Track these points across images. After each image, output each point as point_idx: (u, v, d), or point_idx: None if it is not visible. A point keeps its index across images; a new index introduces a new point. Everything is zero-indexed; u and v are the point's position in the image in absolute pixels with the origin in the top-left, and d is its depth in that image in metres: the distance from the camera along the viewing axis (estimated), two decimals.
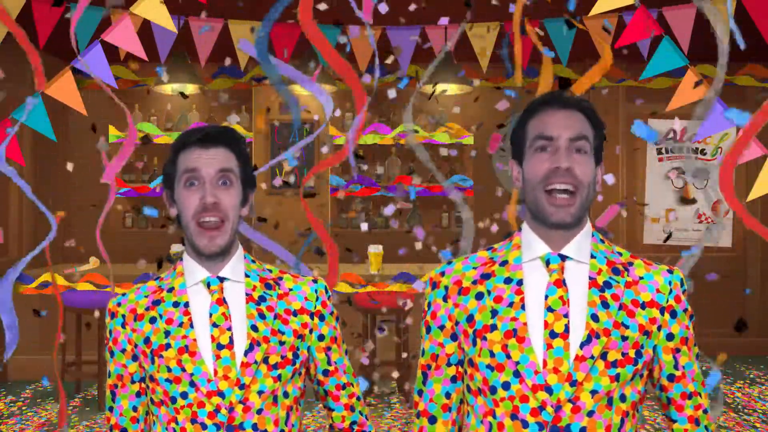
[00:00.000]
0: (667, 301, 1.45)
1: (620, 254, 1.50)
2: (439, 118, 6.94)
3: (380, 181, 6.96)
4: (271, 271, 1.64)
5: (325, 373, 1.65)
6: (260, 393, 1.52)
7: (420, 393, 1.55)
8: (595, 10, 2.74)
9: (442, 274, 1.53)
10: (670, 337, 1.45)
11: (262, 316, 1.55)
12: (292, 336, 1.57)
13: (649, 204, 4.47)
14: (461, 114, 6.94)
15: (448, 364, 1.51)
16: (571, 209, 1.42)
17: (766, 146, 2.75)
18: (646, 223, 5.42)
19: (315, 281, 1.65)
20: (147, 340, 1.54)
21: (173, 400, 1.51)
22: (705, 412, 1.49)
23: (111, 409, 1.61)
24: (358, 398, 1.70)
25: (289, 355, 1.56)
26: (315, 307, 1.62)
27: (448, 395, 1.52)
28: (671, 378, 1.47)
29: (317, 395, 1.71)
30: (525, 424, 1.39)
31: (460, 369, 1.52)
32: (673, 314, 1.45)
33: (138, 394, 1.58)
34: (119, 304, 1.59)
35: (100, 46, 2.67)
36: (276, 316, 1.57)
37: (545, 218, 1.44)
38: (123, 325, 1.57)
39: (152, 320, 1.55)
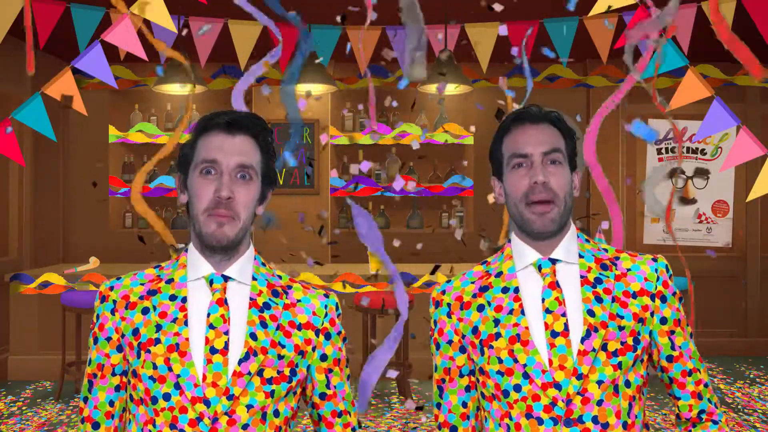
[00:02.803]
0: (656, 287, 1.54)
1: (606, 251, 1.59)
2: (438, 118, 6.94)
3: (380, 181, 6.96)
4: (281, 277, 1.52)
5: (323, 396, 1.53)
6: (249, 407, 1.40)
7: (438, 406, 1.63)
8: (595, 10, 2.74)
9: (443, 292, 1.62)
10: (663, 320, 1.54)
11: (263, 325, 1.44)
12: (292, 351, 1.45)
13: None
14: (461, 114, 6.95)
15: (461, 375, 1.59)
16: (551, 215, 1.50)
17: (767, 146, 2.75)
18: (646, 223, 5.42)
19: (326, 295, 1.53)
20: (136, 332, 1.42)
21: (154, 400, 1.39)
22: (706, 386, 1.57)
23: (85, 399, 1.48)
24: (353, 429, 1.57)
25: (287, 371, 1.44)
26: (322, 323, 1.50)
27: (464, 404, 1.60)
28: (670, 359, 1.56)
29: (311, 419, 1.58)
30: (540, 421, 1.47)
31: (473, 378, 1.59)
32: (663, 299, 1.54)
33: (117, 388, 1.46)
34: (111, 288, 1.47)
35: (100, 46, 2.66)
36: (278, 327, 1.45)
37: (530, 228, 1.53)
38: (112, 312, 1.45)
39: (145, 311, 1.44)
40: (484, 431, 1.59)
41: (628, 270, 1.54)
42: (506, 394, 1.50)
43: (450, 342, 1.59)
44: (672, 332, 1.54)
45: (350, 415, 1.57)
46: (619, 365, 1.47)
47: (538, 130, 1.54)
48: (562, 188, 1.52)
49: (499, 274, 1.58)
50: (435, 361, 1.62)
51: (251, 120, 1.46)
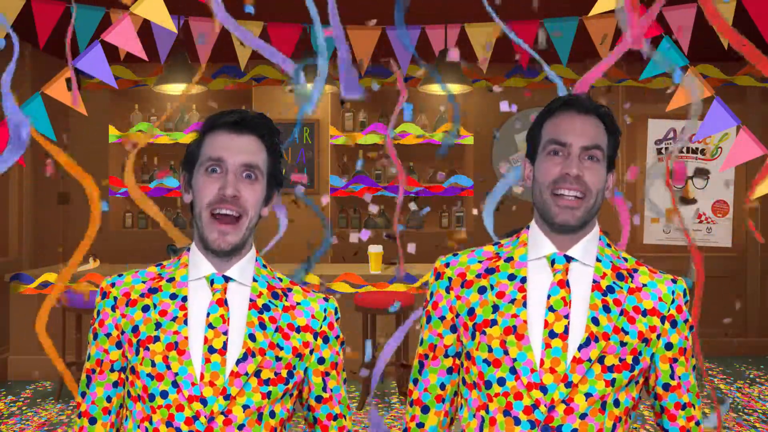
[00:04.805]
0: (669, 310, 1.45)
1: (626, 260, 1.50)
2: (438, 118, 6.94)
3: (380, 181, 6.96)
4: (281, 280, 1.53)
5: (318, 399, 1.53)
6: (245, 408, 1.40)
7: (415, 382, 1.56)
8: (595, 10, 2.74)
9: (447, 265, 1.54)
10: (668, 346, 1.46)
11: (262, 326, 1.44)
12: (290, 353, 1.46)
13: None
14: (461, 114, 6.94)
15: (446, 356, 1.53)
16: (576, 212, 1.43)
17: (767, 146, 2.75)
18: (646, 224, 5.42)
19: (326, 299, 1.53)
20: (135, 329, 1.43)
21: (151, 397, 1.40)
22: (697, 424, 1.49)
23: (83, 394, 1.49)
24: None
25: (284, 373, 1.45)
26: (321, 327, 1.50)
27: (442, 386, 1.54)
28: (666, 387, 1.48)
29: (306, 421, 1.59)
30: (517, 422, 1.40)
31: (457, 361, 1.53)
32: (674, 324, 1.46)
33: (115, 384, 1.47)
34: (113, 285, 1.48)
35: (100, 46, 2.66)
36: (277, 329, 1.45)
37: (551, 219, 1.45)
38: (113, 308, 1.46)
39: (145, 308, 1.44)
40: (456, 419, 1.52)
41: (644, 285, 1.46)
42: (488, 385, 1.43)
43: (442, 318, 1.52)
44: (675, 360, 1.46)
45: (345, 418, 1.56)
46: (612, 382, 1.40)
47: (584, 121, 1.46)
48: (595, 184, 1.43)
49: (509, 259, 1.49)
50: (422, 335, 1.55)
51: (258, 120, 1.45)
